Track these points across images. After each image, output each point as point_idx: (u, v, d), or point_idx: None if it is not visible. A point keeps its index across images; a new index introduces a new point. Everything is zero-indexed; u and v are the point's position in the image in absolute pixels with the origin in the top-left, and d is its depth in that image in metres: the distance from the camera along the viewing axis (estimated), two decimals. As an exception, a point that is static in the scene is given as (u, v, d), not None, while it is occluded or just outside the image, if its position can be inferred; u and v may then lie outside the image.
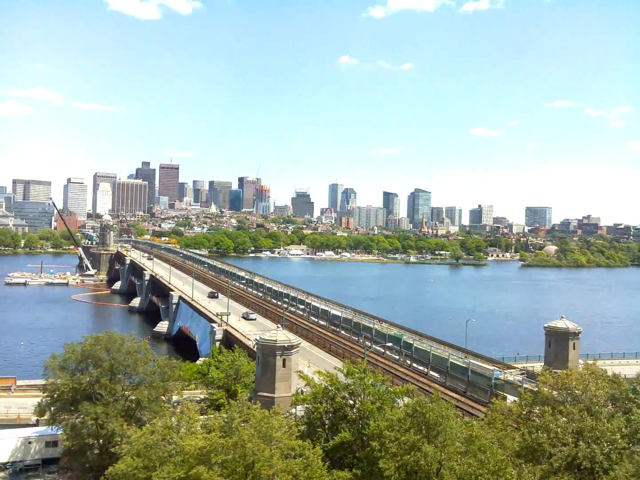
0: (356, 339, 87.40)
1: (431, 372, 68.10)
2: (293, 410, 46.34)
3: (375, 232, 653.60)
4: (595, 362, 48.55)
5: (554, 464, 33.72)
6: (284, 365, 51.62)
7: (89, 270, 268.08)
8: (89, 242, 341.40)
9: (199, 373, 77.43)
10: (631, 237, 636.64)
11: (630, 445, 35.48)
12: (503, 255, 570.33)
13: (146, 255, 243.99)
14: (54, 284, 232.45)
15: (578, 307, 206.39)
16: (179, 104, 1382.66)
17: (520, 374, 64.40)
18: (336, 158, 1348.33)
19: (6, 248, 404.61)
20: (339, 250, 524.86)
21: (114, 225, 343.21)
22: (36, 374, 76.26)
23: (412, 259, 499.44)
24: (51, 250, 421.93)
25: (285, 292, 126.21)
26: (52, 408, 50.02)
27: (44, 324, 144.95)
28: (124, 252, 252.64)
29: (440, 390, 48.49)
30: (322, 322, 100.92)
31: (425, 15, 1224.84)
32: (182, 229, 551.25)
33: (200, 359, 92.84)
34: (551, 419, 35.61)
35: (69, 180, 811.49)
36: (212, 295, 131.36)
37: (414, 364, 72.04)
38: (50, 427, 51.90)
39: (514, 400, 46.46)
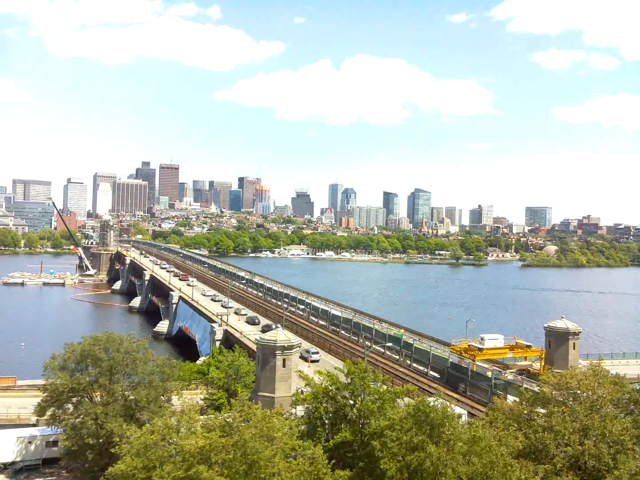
0: (356, 339, 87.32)
1: (431, 372, 68.04)
2: (293, 410, 46.30)
3: (375, 232, 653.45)
4: (600, 362, 48.42)
5: (557, 464, 33.66)
6: (284, 365, 51.55)
7: (89, 270, 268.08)
8: (89, 242, 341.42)
9: (199, 373, 77.37)
10: (631, 237, 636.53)
11: (635, 445, 35.43)
12: (503, 255, 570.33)
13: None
14: (51, 284, 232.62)
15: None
16: (180, 103, 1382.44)
17: (520, 374, 64.41)
18: (336, 158, 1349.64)
19: (6, 248, 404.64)
20: (339, 250, 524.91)
21: (114, 225, 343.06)
22: (36, 374, 76.09)
23: (413, 259, 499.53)
24: (51, 250, 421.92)
25: (285, 292, 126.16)
26: (52, 408, 49.96)
27: (44, 324, 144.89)
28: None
29: (441, 390, 48.52)
30: (322, 322, 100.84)
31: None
32: (182, 229, 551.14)
33: (200, 359, 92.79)
34: (558, 419, 35.56)
35: (69, 180, 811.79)
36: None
37: (414, 364, 71.99)
38: (50, 427, 51.84)
39: (515, 400, 46.41)
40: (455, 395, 58.27)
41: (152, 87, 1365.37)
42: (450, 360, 65.66)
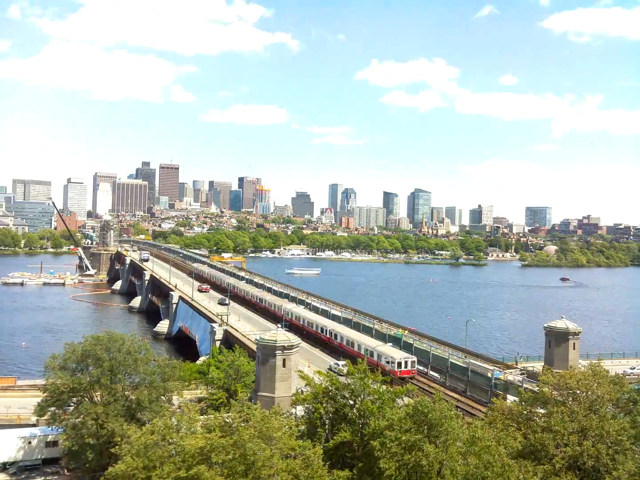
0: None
1: (431, 372, 68.05)
2: (293, 410, 46.33)
3: (375, 232, 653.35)
4: (600, 362, 48.53)
5: (556, 465, 33.68)
6: (284, 365, 51.59)
7: (89, 270, 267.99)
8: (89, 242, 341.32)
9: (199, 373, 77.40)
10: (631, 237, 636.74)
11: (633, 445, 35.46)
12: (503, 255, 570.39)
13: None
14: (50, 284, 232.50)
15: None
16: (179, 102, 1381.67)
17: (520, 374, 64.42)
18: (337, 158, 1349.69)
19: (6, 248, 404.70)
20: (339, 250, 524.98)
21: (114, 225, 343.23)
22: (37, 374, 76.19)
23: (413, 259, 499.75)
24: (51, 250, 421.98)
25: (285, 292, 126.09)
26: (52, 408, 49.98)
27: (44, 324, 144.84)
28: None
29: (441, 390, 48.53)
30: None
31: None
32: (182, 229, 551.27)
33: (200, 359, 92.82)
34: (557, 420, 35.56)
35: (69, 180, 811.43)
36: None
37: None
38: (50, 427, 51.85)
39: (514, 400, 46.42)
40: (456, 395, 58.31)
41: (151, 86, 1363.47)
42: (450, 360, 65.69)
